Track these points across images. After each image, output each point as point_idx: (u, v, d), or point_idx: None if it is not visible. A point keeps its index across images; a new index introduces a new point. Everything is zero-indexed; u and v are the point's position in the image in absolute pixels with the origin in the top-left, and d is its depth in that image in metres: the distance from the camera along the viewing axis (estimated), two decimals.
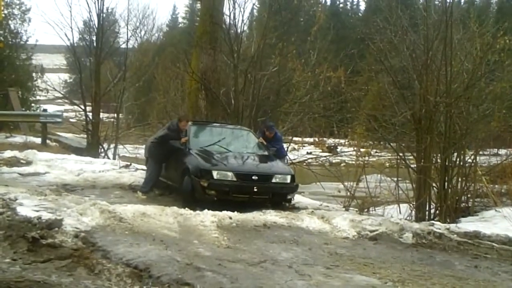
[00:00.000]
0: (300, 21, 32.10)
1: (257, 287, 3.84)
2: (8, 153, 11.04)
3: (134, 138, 18.97)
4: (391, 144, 9.13)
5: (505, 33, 8.67)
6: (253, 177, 7.16)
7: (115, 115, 17.32)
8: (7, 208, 5.55)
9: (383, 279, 4.32)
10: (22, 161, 10.56)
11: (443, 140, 8.07)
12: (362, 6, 52.02)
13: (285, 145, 11.00)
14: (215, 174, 7.05)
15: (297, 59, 12.96)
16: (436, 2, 10.48)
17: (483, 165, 9.48)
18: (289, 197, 7.53)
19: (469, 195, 8.48)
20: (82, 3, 36.41)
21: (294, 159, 12.27)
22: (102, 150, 15.32)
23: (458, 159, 8.25)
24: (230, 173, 7.09)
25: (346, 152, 15.47)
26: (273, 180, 7.29)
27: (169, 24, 60.52)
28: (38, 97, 21.26)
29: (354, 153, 11.57)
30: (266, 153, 8.18)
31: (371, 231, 5.96)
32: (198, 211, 6.16)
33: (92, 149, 14.76)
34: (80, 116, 17.79)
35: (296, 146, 21.45)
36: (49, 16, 37.65)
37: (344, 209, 7.85)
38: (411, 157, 8.66)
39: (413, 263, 4.93)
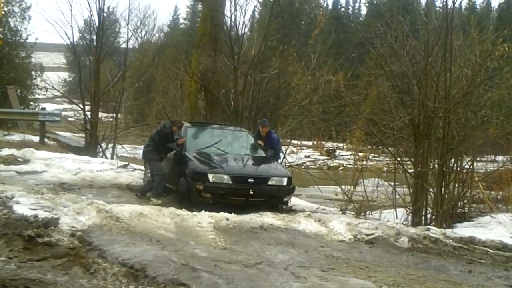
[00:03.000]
0: (301, 24, 32.15)
1: None
2: (5, 151, 11.02)
3: (133, 138, 18.97)
4: (389, 148, 9.14)
5: (505, 41, 8.68)
6: (249, 180, 7.13)
7: (114, 114, 17.32)
8: (3, 206, 5.55)
9: (378, 282, 4.33)
10: (19, 159, 10.54)
11: (441, 146, 8.08)
12: (364, 10, 52.23)
13: (283, 148, 11.02)
14: (210, 177, 7.03)
15: (298, 62, 12.98)
16: (437, 8, 10.52)
17: (480, 171, 9.51)
18: (285, 199, 7.51)
19: (465, 201, 8.51)
20: (83, 1, 36.31)
21: (292, 162, 12.28)
22: (100, 149, 15.32)
23: (455, 165, 8.26)
24: (226, 176, 7.07)
25: (344, 156, 15.47)
26: (270, 183, 7.28)
27: (170, 25, 60.53)
28: (37, 96, 21.28)
29: (352, 157, 11.57)
30: (263, 154, 8.15)
31: (367, 235, 5.98)
32: (195, 212, 6.17)
33: (90, 149, 14.75)
34: (78, 115, 17.78)
35: (294, 149, 21.46)
36: (49, 14, 37.52)
37: (341, 212, 7.86)
38: (409, 162, 8.67)
39: (408, 267, 4.95)
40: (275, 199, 7.38)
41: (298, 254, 5.03)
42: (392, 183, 8.81)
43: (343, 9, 53.64)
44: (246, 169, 7.54)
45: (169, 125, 8.04)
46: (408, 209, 8.24)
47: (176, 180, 7.47)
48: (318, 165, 12.97)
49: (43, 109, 16.37)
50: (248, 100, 11.29)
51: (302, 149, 25.01)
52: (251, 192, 7.09)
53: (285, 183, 7.38)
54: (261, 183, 7.22)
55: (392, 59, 8.99)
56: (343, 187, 8.67)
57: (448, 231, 6.31)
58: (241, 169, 7.49)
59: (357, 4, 54.45)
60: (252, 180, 7.14)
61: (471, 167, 8.47)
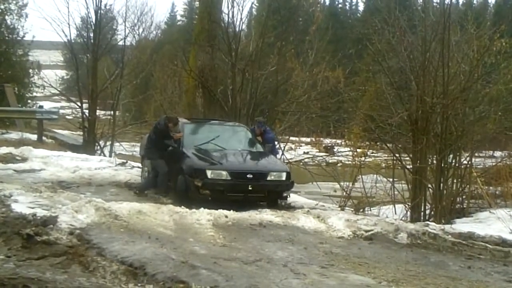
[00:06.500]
0: (298, 20, 31.99)
1: (252, 286, 3.84)
2: (3, 150, 10.99)
3: (131, 136, 18.89)
4: (388, 144, 9.13)
5: (502, 36, 8.69)
6: (248, 175, 7.09)
7: (112, 112, 17.27)
8: (1, 205, 5.56)
9: (378, 278, 4.34)
10: (17, 157, 10.52)
11: (439, 142, 8.08)
12: (361, 6, 52.06)
13: (282, 145, 11.01)
14: (209, 173, 6.99)
15: (295, 59, 12.98)
16: (434, 4, 10.50)
17: (478, 166, 9.51)
18: (284, 194, 7.47)
19: (464, 197, 8.51)
20: None
21: (291, 159, 12.29)
22: (98, 147, 15.28)
23: (453, 161, 8.27)
24: (224, 172, 7.03)
25: (342, 152, 15.49)
26: (268, 178, 7.23)
27: (167, 22, 60.17)
28: (34, 94, 21.16)
29: (350, 153, 11.58)
30: (261, 150, 8.11)
31: (366, 231, 5.98)
32: (194, 210, 6.16)
33: (88, 147, 14.72)
34: (76, 113, 17.72)
35: (293, 146, 21.44)
36: (46, 12, 37.24)
37: (339, 208, 7.86)
38: (407, 158, 8.67)
39: (407, 263, 4.95)
40: (274, 194, 7.35)
41: (297, 250, 5.03)
42: (391, 179, 8.81)
43: (340, 5, 53.44)
44: (244, 165, 7.50)
45: (163, 121, 7.98)
46: (407, 205, 8.25)
47: (174, 178, 7.44)
48: (316, 161, 12.98)
49: (41, 107, 16.33)
50: (246, 97, 11.29)
51: (301, 146, 24.98)
52: (250, 188, 7.05)
53: (284, 178, 7.34)
54: (260, 179, 7.17)
55: (390, 55, 8.99)
56: (341, 183, 8.68)
57: (447, 227, 6.31)
58: (239, 165, 7.44)
59: (354, 0, 54.36)
60: (251, 176, 7.10)
61: (469, 162, 8.48)
